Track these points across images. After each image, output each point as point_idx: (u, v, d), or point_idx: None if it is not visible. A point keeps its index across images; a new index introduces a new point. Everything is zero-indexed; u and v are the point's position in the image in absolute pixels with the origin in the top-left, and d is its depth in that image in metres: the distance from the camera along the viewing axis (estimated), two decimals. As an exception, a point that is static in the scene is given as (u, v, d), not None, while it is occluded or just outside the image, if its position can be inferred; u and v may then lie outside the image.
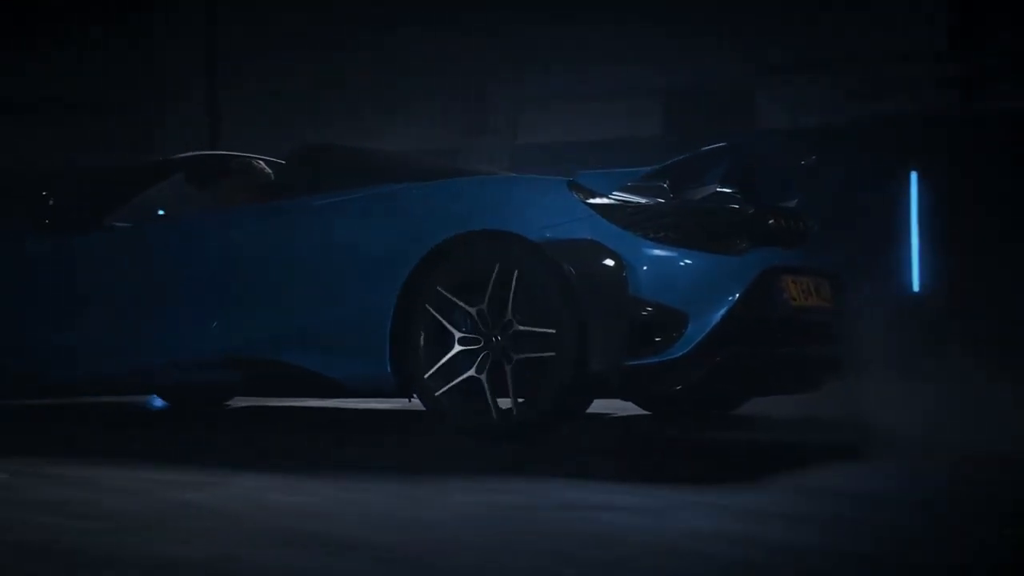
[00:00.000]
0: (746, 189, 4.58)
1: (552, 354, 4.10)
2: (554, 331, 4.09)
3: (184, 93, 11.98)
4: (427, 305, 4.28)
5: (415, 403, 4.47)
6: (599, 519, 3.02)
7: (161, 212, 5.64)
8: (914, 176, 10.14)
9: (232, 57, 11.91)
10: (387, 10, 11.62)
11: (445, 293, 4.27)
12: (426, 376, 4.27)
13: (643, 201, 4.27)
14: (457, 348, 4.25)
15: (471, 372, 4.22)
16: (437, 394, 4.26)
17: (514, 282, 4.16)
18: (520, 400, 4.17)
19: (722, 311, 4.10)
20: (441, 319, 4.26)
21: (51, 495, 3.41)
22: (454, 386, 4.24)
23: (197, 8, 11.90)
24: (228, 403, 6.54)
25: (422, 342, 4.30)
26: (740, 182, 4.58)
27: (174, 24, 12.27)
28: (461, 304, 4.25)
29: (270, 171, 5.56)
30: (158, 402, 6.64)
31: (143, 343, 5.03)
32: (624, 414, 5.51)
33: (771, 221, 4.50)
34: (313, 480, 3.66)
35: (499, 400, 4.23)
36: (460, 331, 4.25)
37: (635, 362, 4.05)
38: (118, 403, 6.69)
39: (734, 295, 4.14)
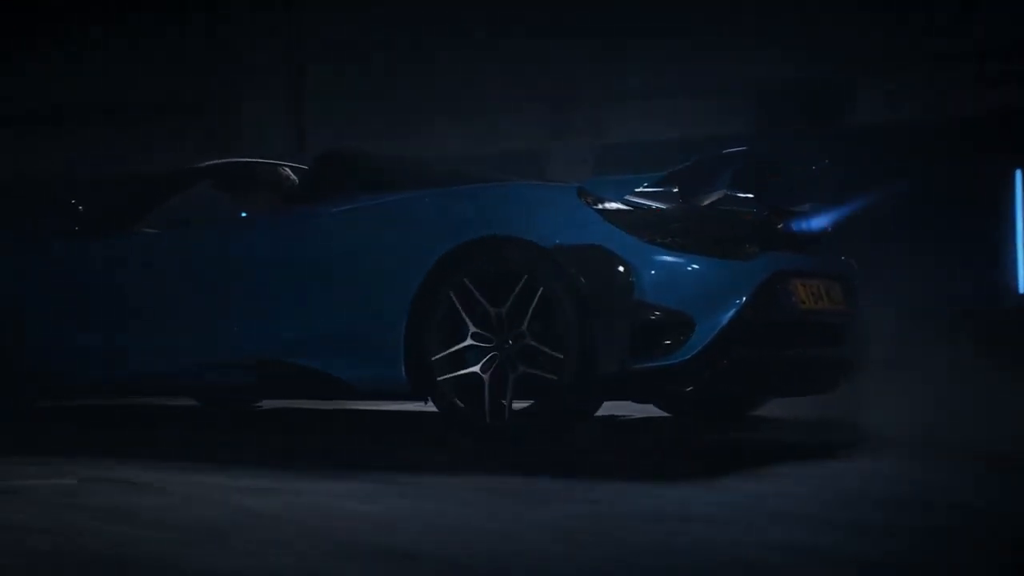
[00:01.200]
0: (759, 193, 4.72)
1: (555, 378, 4.28)
2: (562, 356, 4.26)
3: (263, 93, 12.04)
4: (450, 292, 4.44)
5: (431, 407, 4.59)
6: (680, 529, 2.95)
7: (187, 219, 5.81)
8: (1019, 174, 9.89)
9: (311, 58, 11.97)
10: (466, 11, 11.58)
11: (470, 286, 4.42)
12: (434, 358, 4.44)
13: (651, 206, 4.43)
14: (469, 341, 4.42)
15: (475, 368, 4.40)
16: (439, 379, 4.44)
17: (519, 287, 4.34)
18: (515, 403, 4.33)
19: (729, 315, 4.26)
20: (459, 307, 4.42)
21: (120, 502, 3.43)
22: (458, 382, 4.42)
23: (276, 9, 11.98)
24: (259, 405, 6.73)
25: (435, 329, 4.47)
26: (752, 186, 4.71)
27: (252, 23, 12.34)
28: (483, 302, 4.40)
29: (295, 178, 5.75)
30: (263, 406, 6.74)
31: (168, 346, 5.23)
32: (645, 416, 5.66)
33: (780, 225, 4.70)
34: (382, 487, 3.65)
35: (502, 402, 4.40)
36: (474, 327, 4.41)
37: (642, 365, 4.21)
38: (172, 404, 6.82)
39: (741, 299, 4.29)
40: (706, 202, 4.60)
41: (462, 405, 4.45)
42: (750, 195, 4.73)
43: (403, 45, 11.81)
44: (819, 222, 4.90)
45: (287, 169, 5.82)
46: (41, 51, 12.47)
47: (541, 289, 4.32)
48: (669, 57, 11.14)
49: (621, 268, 4.24)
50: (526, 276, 4.35)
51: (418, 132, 11.34)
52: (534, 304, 4.33)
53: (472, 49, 11.58)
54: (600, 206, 4.39)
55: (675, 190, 4.49)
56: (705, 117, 11.26)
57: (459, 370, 4.44)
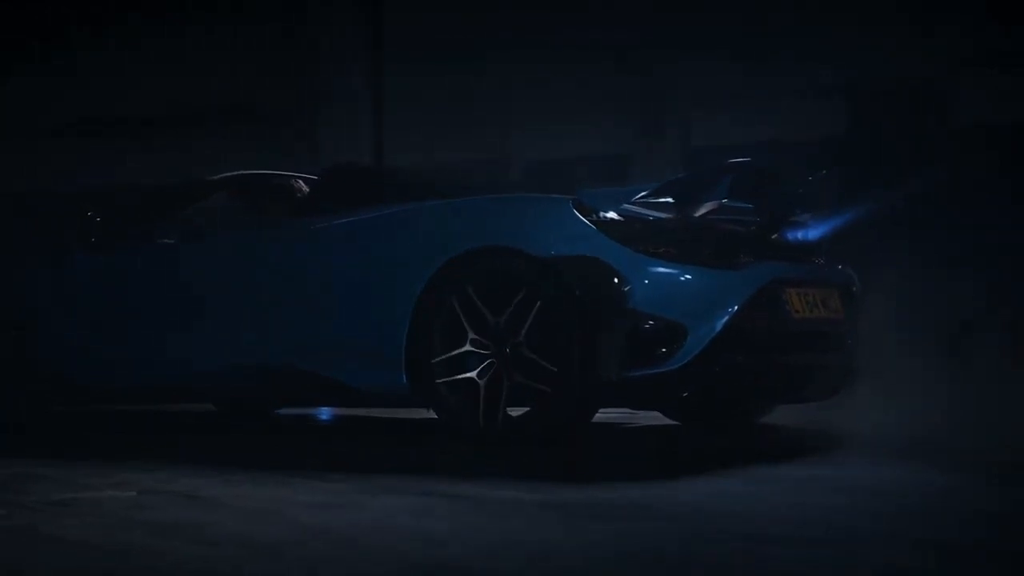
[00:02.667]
0: (757, 203, 4.92)
1: (548, 389, 4.48)
2: (558, 366, 4.45)
3: (341, 103, 12.10)
4: (450, 301, 4.65)
5: (432, 413, 4.80)
6: (772, 553, 2.86)
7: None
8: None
9: (391, 59, 11.99)
10: (547, 12, 11.53)
11: (469, 295, 4.63)
12: (433, 363, 4.65)
13: (646, 217, 4.65)
14: (468, 347, 4.63)
15: (472, 374, 4.62)
16: (438, 383, 4.66)
17: (517, 297, 4.54)
18: (510, 411, 4.56)
19: (722, 323, 4.45)
20: (459, 315, 4.63)
21: (178, 516, 3.41)
22: (455, 385, 4.63)
23: (356, 12, 12.02)
24: (278, 411, 6.91)
25: (435, 336, 4.68)
26: (751, 197, 4.90)
27: (330, 32, 12.40)
28: (482, 311, 4.61)
29: (307, 189, 6.00)
30: (325, 414, 6.81)
31: (181, 353, 5.45)
32: (654, 423, 5.83)
33: (776, 235, 4.91)
34: (436, 501, 3.60)
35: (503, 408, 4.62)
36: (473, 334, 4.62)
37: (635, 373, 4.42)
38: (196, 410, 6.88)
39: (734, 307, 4.48)
40: (701, 212, 4.80)
41: (458, 409, 4.63)
42: (748, 205, 4.91)
43: (483, 49, 11.78)
44: (817, 232, 5.06)
45: (300, 181, 6.08)
46: (110, 60, 12.64)
47: (538, 299, 4.51)
48: (761, 57, 10.98)
49: (616, 279, 4.43)
50: (524, 286, 4.54)
51: (497, 138, 11.31)
52: (532, 314, 4.52)
53: (554, 50, 11.52)
54: (595, 217, 4.57)
55: (670, 201, 4.71)
56: (798, 118, 11.08)
57: (457, 375, 4.64)
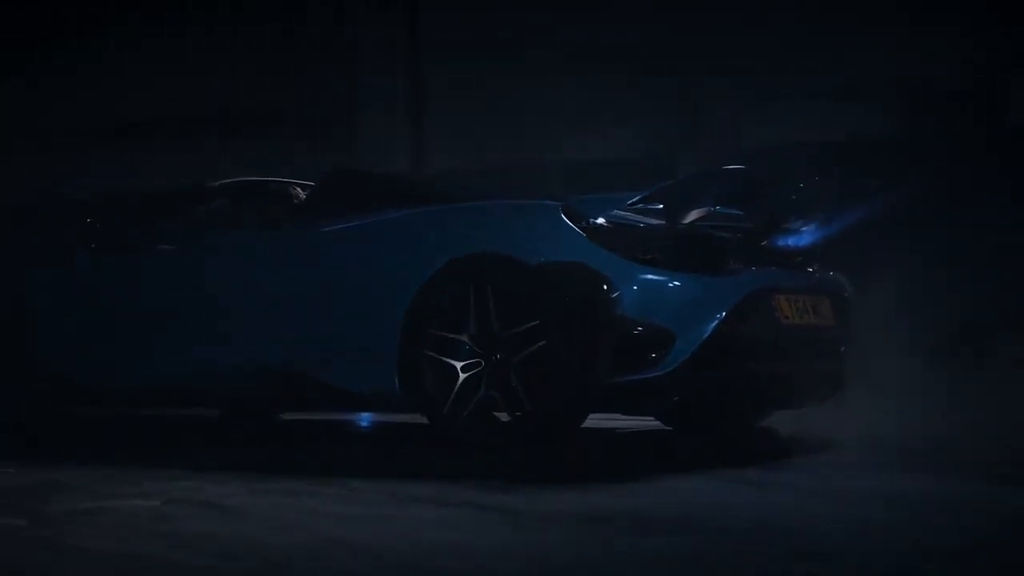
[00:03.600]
0: (749, 211, 5.00)
1: (536, 394, 4.56)
2: (545, 374, 4.53)
3: (381, 106, 12.07)
4: (441, 308, 4.76)
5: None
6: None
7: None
8: None
9: (429, 60, 11.94)
10: (588, 11, 11.45)
11: (460, 302, 4.72)
12: (444, 411, 4.75)
13: (634, 224, 4.74)
14: (458, 352, 4.73)
15: (463, 378, 4.72)
16: (428, 386, 4.77)
17: (506, 303, 4.64)
18: (518, 414, 4.64)
19: (709, 329, 4.53)
20: (449, 321, 4.75)
21: (203, 527, 3.37)
22: (446, 391, 4.73)
23: (393, 12, 11.99)
24: (282, 415, 6.94)
25: (426, 341, 4.78)
26: (743, 204, 5.00)
27: (370, 35, 12.38)
28: (472, 317, 4.70)
29: (305, 195, 6.13)
30: (365, 420, 6.85)
31: (179, 357, 5.53)
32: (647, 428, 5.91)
33: (766, 242, 4.99)
34: (470, 513, 3.54)
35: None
36: (461, 360, 4.73)
37: (624, 379, 4.52)
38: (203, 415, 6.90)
39: (721, 314, 4.55)
40: (691, 219, 4.85)
41: (449, 413, 4.73)
42: (740, 212, 5.01)
43: (524, 50, 11.71)
44: (809, 238, 5.14)
45: (297, 187, 6.23)
46: (143, 61, 12.67)
47: (527, 305, 4.60)
48: (809, 56, 10.84)
49: (604, 285, 4.51)
50: (513, 293, 4.64)
51: (539, 140, 11.24)
52: (521, 319, 4.60)
53: (595, 48, 11.43)
54: (584, 224, 4.66)
55: (659, 207, 4.77)
56: (847, 119, 10.93)
57: (447, 381, 4.72)
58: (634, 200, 4.78)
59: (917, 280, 7.23)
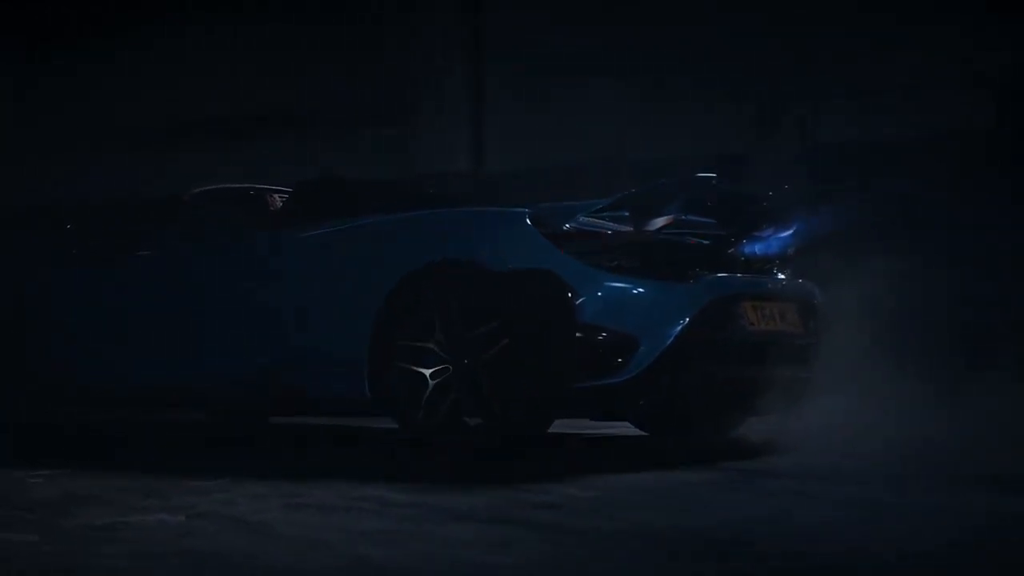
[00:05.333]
0: (720, 218, 5.18)
1: (502, 399, 4.68)
2: (510, 380, 4.66)
3: (440, 99, 11.92)
4: (408, 314, 4.88)
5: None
6: None
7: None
8: None
9: (492, 57, 11.77)
10: (656, 7, 11.21)
11: (427, 308, 4.85)
12: (413, 416, 4.85)
13: (600, 231, 4.88)
14: (431, 382, 4.82)
15: (431, 384, 4.82)
16: (395, 392, 4.88)
17: (472, 309, 4.75)
18: (486, 419, 4.74)
19: (673, 335, 4.64)
20: (417, 328, 4.87)
21: (226, 545, 3.21)
22: (415, 397, 4.84)
23: (455, 9, 11.84)
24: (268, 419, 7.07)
25: (394, 347, 4.90)
26: (714, 212, 5.18)
27: (431, 33, 12.23)
28: (439, 323, 4.82)
29: (282, 202, 6.29)
30: None
31: (158, 362, 5.69)
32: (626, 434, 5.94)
33: (733, 249, 5.12)
34: (514, 529, 3.33)
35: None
36: (430, 366, 4.83)
37: (589, 383, 4.64)
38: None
39: (684, 320, 4.67)
40: (657, 227, 5.00)
41: (418, 418, 4.83)
42: (708, 220, 5.17)
43: (590, 46, 11.50)
44: (779, 245, 5.26)
45: (275, 195, 6.36)
46: (199, 61, 12.64)
47: (492, 312, 4.72)
48: (888, 48, 10.51)
49: (569, 292, 4.62)
50: (479, 299, 4.76)
51: (605, 139, 11.03)
52: (486, 325, 4.72)
53: (665, 46, 11.19)
54: (551, 231, 4.78)
55: (625, 214, 4.94)
56: (929, 114, 10.62)
57: (416, 386, 4.83)
58: (601, 207, 4.91)
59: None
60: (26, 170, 12.68)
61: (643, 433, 5.86)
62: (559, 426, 5.93)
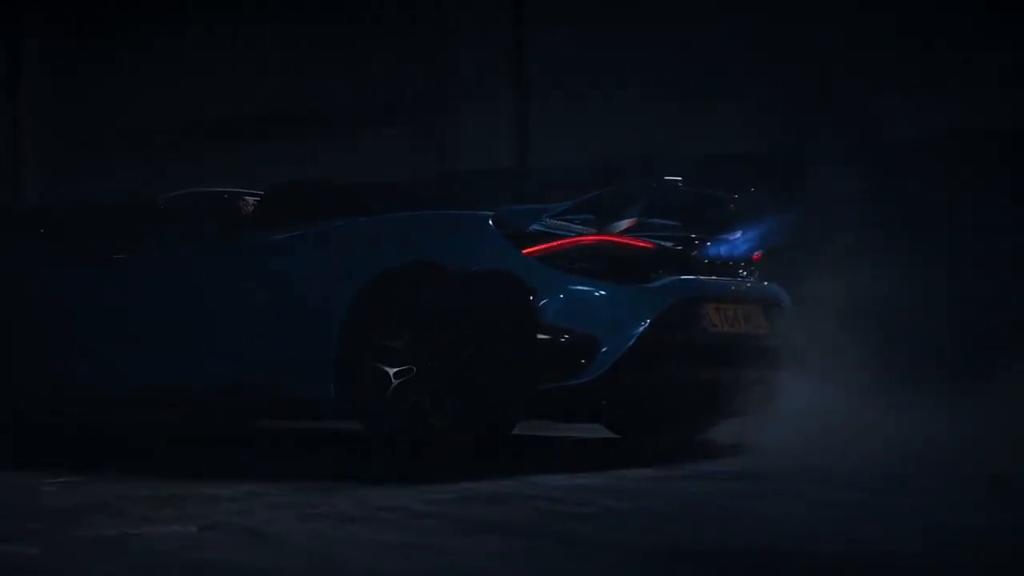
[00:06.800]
0: (683, 221, 5.31)
1: (465, 401, 4.76)
2: (472, 382, 4.74)
3: (483, 94, 11.80)
4: (373, 318, 4.95)
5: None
6: None
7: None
8: None
9: (537, 58, 11.64)
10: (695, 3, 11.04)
11: (391, 311, 4.93)
12: (378, 417, 4.92)
13: (562, 234, 4.94)
14: (395, 384, 4.87)
15: (394, 384, 4.87)
16: (361, 394, 4.94)
17: (435, 311, 4.83)
18: (448, 423, 4.81)
19: (634, 337, 4.73)
20: (381, 331, 4.93)
21: (235, 559, 3.08)
22: (400, 410, 4.86)
23: (503, 10, 11.73)
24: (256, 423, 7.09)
25: (361, 351, 4.96)
26: (679, 214, 5.31)
27: (472, 28, 12.11)
28: (402, 325, 4.90)
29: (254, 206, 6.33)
30: None
31: (132, 365, 5.74)
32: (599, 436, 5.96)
33: (697, 252, 5.22)
34: (544, 543, 3.18)
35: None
36: (394, 368, 4.88)
37: (552, 385, 4.72)
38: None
39: (645, 322, 4.76)
40: (620, 229, 5.08)
41: (382, 420, 4.90)
42: (673, 222, 5.29)
43: (633, 39, 11.33)
44: (744, 248, 5.33)
45: (248, 198, 6.37)
46: (235, 60, 12.61)
47: (455, 314, 4.80)
48: (952, 39, 10.26)
49: (530, 295, 4.71)
50: (443, 302, 4.83)
51: (648, 137, 10.87)
52: (450, 328, 4.80)
53: (712, 39, 11.00)
54: (513, 233, 4.87)
55: (589, 217, 5.04)
56: (990, 110, 10.37)
57: (381, 388, 4.87)
58: (564, 209, 4.99)
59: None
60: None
61: (615, 435, 5.91)
62: (578, 431, 6.21)
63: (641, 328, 4.73)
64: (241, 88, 12.59)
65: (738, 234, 5.33)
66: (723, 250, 5.30)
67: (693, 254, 5.23)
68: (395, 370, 4.89)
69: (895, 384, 5.82)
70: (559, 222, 5.04)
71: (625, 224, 5.13)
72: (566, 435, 6.27)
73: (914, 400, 5.78)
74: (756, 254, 5.49)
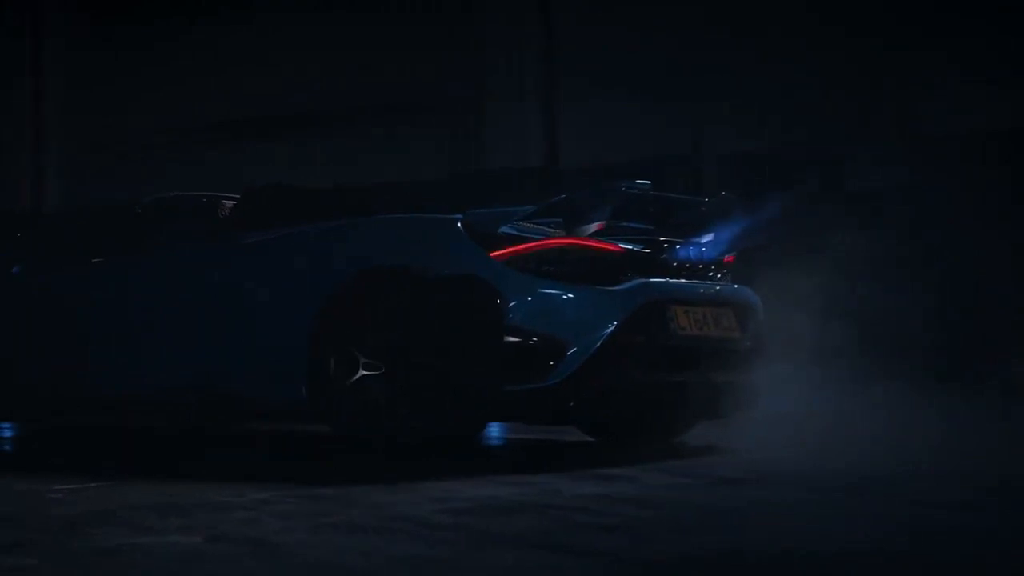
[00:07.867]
0: (653, 224, 5.40)
1: (433, 404, 4.86)
2: (440, 384, 4.84)
3: (511, 94, 11.71)
4: (343, 321, 5.04)
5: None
6: None
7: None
8: None
9: (567, 58, 11.54)
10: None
11: (360, 315, 5.01)
12: (345, 420, 5.01)
13: (530, 237, 5.00)
14: (361, 372, 4.96)
15: (368, 388, 4.95)
16: (334, 393, 5.01)
17: (403, 314, 4.91)
18: (417, 424, 4.90)
19: (601, 339, 4.78)
20: (351, 333, 5.00)
21: (236, 572, 2.92)
22: (369, 411, 4.96)
23: (530, 8, 11.64)
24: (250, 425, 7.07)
25: (331, 353, 5.03)
26: (649, 217, 5.40)
27: (504, 25, 12.03)
28: (372, 328, 4.97)
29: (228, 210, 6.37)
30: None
31: (107, 370, 5.80)
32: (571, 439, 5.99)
33: (666, 255, 5.25)
34: (565, 557, 3.06)
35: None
36: (364, 369, 4.97)
37: (519, 387, 4.76)
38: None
39: (612, 324, 4.82)
40: (589, 232, 5.16)
41: (350, 422, 4.99)
42: (642, 225, 5.39)
43: (667, 37, 11.20)
44: (715, 250, 5.35)
45: (224, 202, 6.41)
46: (267, 61, 12.61)
47: (423, 317, 4.87)
48: (993, 36, 10.08)
49: (497, 298, 4.77)
50: (411, 305, 4.90)
51: (681, 136, 10.77)
52: (418, 331, 4.87)
53: (748, 35, 10.85)
54: (480, 237, 4.94)
55: (557, 220, 5.09)
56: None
57: (349, 391, 4.96)
58: (533, 212, 5.05)
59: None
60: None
61: (590, 439, 5.95)
62: (552, 433, 6.23)
63: (609, 330, 4.79)
64: (275, 89, 12.59)
65: (708, 237, 5.37)
66: (693, 253, 5.33)
67: (662, 257, 5.26)
68: (365, 373, 4.96)
69: (894, 384, 5.81)
70: (528, 225, 5.09)
71: (594, 227, 5.21)
72: (528, 438, 6.35)
73: (913, 400, 5.76)
74: (728, 257, 5.52)
